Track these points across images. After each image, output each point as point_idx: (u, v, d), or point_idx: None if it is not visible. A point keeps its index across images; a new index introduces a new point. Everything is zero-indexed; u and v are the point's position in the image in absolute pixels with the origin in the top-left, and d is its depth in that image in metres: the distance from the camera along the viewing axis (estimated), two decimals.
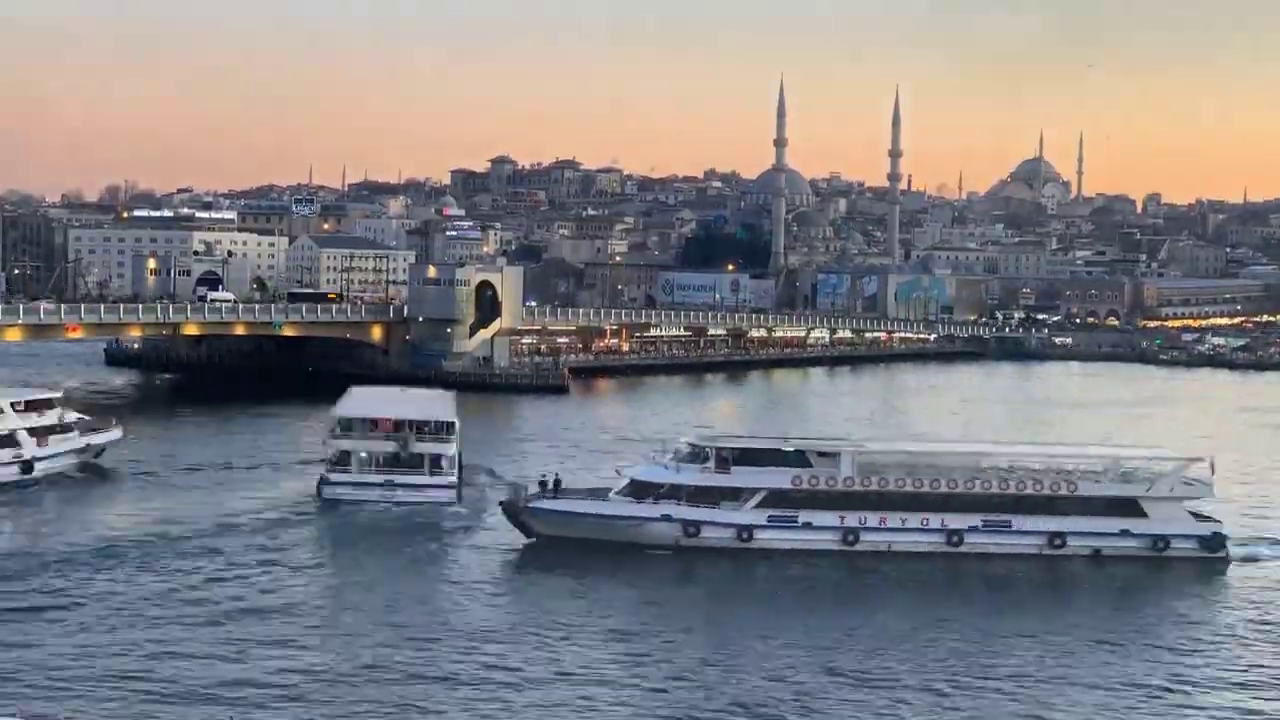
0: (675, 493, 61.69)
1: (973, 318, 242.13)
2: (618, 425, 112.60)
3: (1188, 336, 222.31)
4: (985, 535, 62.43)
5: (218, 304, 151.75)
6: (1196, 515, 64.13)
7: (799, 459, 62.78)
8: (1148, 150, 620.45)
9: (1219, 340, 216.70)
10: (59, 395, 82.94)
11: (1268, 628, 53.42)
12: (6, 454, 74.35)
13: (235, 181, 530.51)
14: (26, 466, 75.19)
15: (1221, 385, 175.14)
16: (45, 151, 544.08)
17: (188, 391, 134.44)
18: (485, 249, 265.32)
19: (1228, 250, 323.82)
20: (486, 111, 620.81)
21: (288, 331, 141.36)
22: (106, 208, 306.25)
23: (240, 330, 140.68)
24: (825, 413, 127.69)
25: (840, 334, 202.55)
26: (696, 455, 63.35)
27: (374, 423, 72.00)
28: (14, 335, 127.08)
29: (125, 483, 78.04)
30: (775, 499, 61.85)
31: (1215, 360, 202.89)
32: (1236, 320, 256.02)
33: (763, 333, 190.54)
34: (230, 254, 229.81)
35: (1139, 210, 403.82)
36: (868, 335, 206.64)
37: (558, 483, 65.16)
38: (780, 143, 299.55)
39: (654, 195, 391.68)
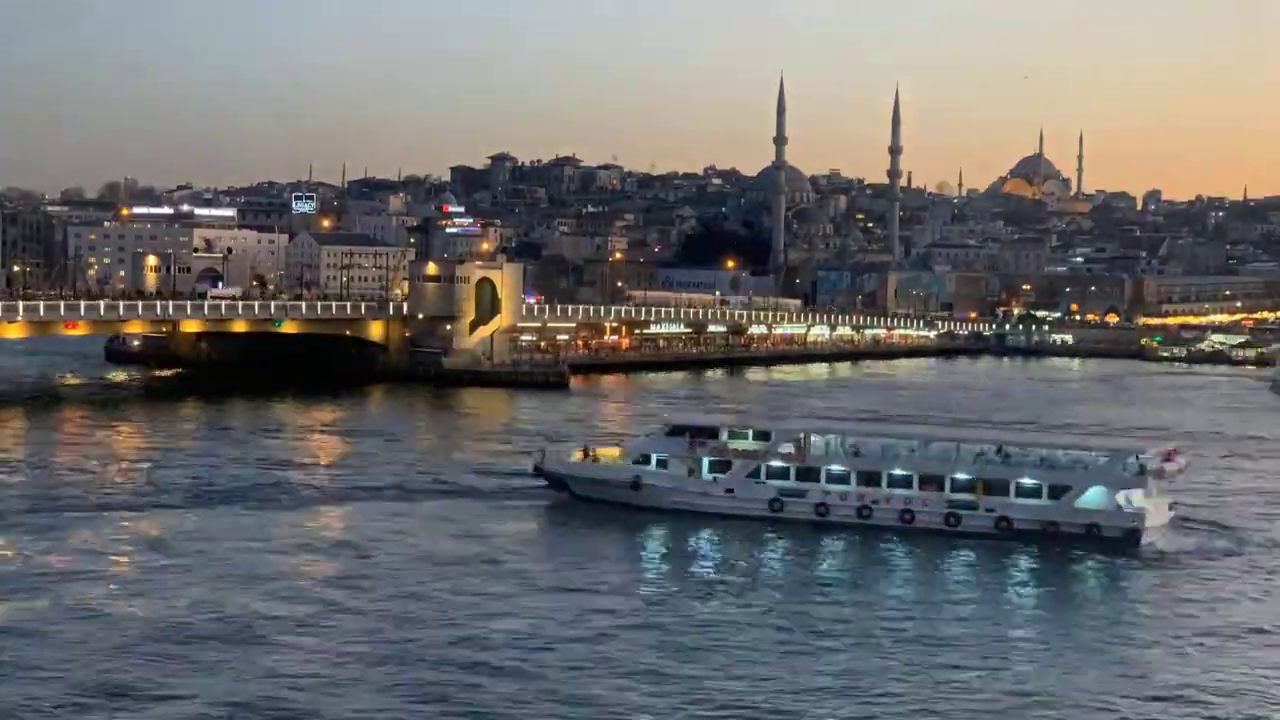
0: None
1: (973, 315, 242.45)
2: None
3: (1188, 334, 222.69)
4: None
5: (218, 300, 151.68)
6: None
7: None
8: (1148, 147, 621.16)
9: (1219, 337, 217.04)
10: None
11: None
12: None
13: (235, 178, 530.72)
14: None
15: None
16: (45, 149, 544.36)
17: (189, 388, 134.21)
18: (485, 246, 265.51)
19: (1228, 247, 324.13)
20: (487, 108, 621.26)
21: (288, 328, 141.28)
22: (106, 205, 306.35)
23: (240, 327, 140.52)
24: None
25: (840, 330, 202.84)
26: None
27: None
28: (15, 331, 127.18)
29: None
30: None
31: (1215, 357, 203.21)
32: (1236, 317, 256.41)
33: (763, 329, 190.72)
34: (230, 251, 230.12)
35: (1139, 207, 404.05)
36: (868, 332, 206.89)
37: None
38: (780, 140, 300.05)
39: (654, 192, 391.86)
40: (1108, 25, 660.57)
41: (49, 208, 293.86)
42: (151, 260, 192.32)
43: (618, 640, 46.96)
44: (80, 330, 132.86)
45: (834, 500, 66.48)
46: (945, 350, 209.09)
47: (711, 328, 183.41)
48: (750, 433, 70.83)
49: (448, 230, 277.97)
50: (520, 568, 57.56)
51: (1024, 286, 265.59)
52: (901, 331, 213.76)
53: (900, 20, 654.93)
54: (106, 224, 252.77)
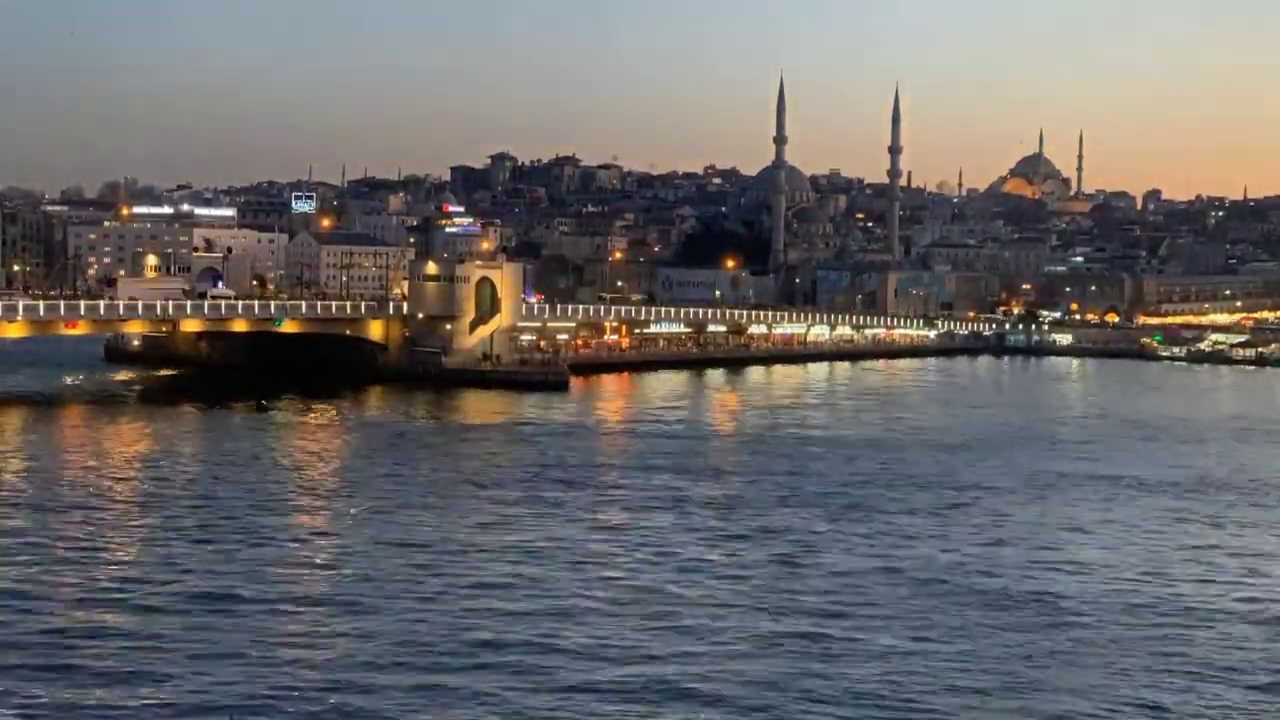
0: None
1: (972, 314, 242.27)
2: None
3: (1188, 333, 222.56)
4: None
5: (218, 300, 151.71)
6: None
7: None
8: (1148, 147, 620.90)
9: (1219, 336, 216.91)
10: None
11: None
12: None
13: (235, 178, 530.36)
14: None
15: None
16: (45, 148, 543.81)
17: (188, 388, 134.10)
18: (485, 245, 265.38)
19: (1228, 247, 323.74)
20: (487, 108, 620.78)
21: (288, 328, 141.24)
22: (106, 204, 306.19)
23: (240, 327, 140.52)
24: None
25: (840, 330, 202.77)
26: None
27: None
28: (15, 331, 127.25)
29: None
30: None
31: (1215, 357, 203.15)
32: (1236, 316, 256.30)
33: (763, 329, 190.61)
34: (230, 250, 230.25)
35: (1139, 207, 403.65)
36: (868, 331, 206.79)
37: None
38: (780, 139, 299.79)
39: (654, 191, 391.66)
40: (1108, 25, 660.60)
41: (49, 207, 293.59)
42: (151, 260, 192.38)
43: None
44: (80, 330, 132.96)
45: None
46: (945, 350, 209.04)
47: (711, 327, 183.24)
48: None
49: (447, 230, 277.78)
50: None
51: (1024, 286, 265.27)
52: (901, 331, 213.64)
53: (900, 20, 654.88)
54: (106, 223, 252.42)
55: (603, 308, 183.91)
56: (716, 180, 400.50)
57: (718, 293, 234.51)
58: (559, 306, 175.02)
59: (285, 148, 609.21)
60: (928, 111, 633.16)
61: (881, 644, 48.34)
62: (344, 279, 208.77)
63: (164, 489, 75.58)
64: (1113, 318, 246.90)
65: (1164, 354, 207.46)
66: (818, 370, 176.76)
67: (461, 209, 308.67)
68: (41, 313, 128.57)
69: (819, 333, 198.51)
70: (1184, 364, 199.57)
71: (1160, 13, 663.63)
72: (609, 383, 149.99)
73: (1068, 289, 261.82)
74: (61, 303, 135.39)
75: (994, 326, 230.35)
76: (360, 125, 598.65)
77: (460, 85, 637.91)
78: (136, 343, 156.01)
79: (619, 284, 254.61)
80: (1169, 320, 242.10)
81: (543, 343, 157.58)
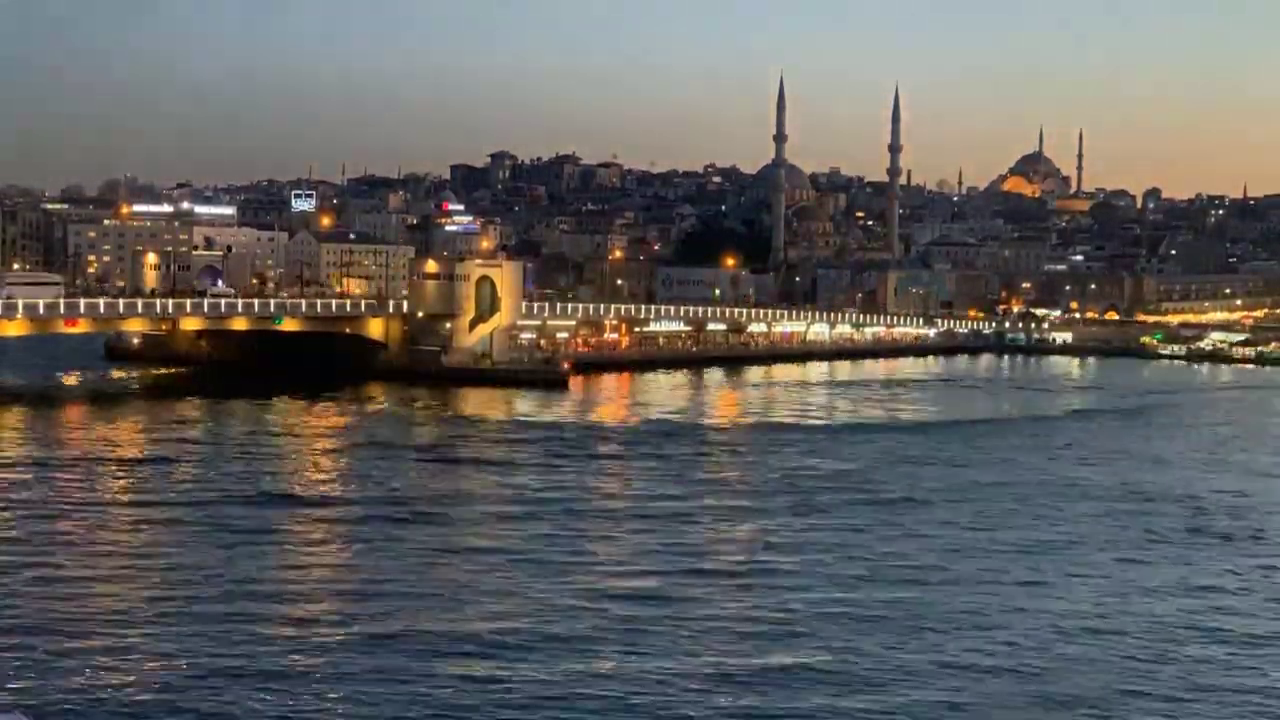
0: None
1: (972, 313, 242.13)
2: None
3: (1187, 332, 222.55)
4: None
5: (218, 298, 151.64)
6: None
7: None
8: (1148, 146, 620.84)
9: (1219, 335, 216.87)
10: None
11: None
12: None
13: (235, 176, 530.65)
14: None
15: None
16: (45, 146, 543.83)
17: (188, 386, 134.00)
18: (485, 244, 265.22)
19: (1228, 245, 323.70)
20: (486, 106, 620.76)
21: (288, 326, 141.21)
22: (106, 202, 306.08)
23: (240, 325, 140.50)
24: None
25: (840, 329, 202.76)
26: None
27: None
28: (15, 329, 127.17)
29: None
30: None
31: (1215, 356, 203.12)
32: (1236, 315, 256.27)
33: (763, 327, 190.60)
34: (230, 249, 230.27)
35: (1139, 205, 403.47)
36: (868, 330, 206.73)
37: None
38: (780, 137, 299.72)
39: (654, 190, 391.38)
40: (1108, 24, 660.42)
41: (49, 205, 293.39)
42: (151, 258, 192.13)
43: None
44: (80, 328, 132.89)
45: None
46: (946, 349, 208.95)
47: (711, 326, 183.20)
48: None
49: (447, 228, 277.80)
50: None
51: (1024, 285, 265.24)
52: (901, 330, 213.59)
53: (900, 20, 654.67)
54: (106, 222, 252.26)
55: (602, 305, 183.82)
56: (716, 179, 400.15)
57: (717, 291, 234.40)
58: (559, 305, 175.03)
59: (285, 147, 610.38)
60: (928, 110, 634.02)
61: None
62: (344, 277, 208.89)
63: (162, 487, 75.59)
64: (1113, 316, 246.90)
65: (1164, 353, 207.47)
66: (818, 369, 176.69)
67: (461, 207, 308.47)
68: (41, 311, 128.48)
69: (819, 331, 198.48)
70: (1183, 363, 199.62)
71: (1161, 11, 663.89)
72: (608, 381, 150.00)
73: (1068, 288, 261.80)
74: (61, 301, 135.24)
75: (994, 325, 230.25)
76: (360, 125, 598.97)
77: (460, 85, 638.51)
78: (137, 341, 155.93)
79: (619, 282, 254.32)
80: (1169, 319, 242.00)
81: (543, 341, 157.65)
